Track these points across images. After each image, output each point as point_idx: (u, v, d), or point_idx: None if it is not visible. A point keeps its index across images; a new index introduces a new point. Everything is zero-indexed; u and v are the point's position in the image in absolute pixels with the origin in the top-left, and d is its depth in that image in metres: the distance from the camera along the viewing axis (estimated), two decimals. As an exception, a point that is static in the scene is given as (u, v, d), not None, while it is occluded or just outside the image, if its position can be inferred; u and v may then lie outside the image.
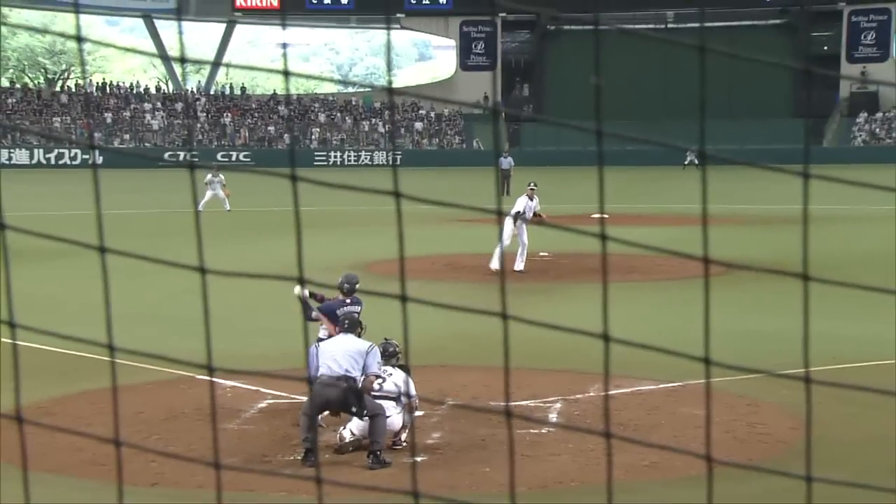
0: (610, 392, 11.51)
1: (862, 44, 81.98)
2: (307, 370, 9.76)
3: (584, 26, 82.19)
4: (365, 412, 9.61)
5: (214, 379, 11.57)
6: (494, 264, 20.69)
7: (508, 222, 21.20)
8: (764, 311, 16.56)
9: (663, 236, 25.53)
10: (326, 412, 9.96)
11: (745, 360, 12.77)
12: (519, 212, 21.16)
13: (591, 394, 11.65)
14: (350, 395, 9.58)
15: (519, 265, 21.41)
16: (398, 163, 74.37)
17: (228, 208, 35.86)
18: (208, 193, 36.44)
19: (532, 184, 21.84)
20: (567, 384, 12.00)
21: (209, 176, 36.75)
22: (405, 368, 10.12)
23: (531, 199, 21.49)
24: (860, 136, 79.04)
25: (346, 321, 10.06)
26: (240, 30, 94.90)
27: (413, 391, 9.92)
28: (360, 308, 10.98)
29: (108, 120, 78.05)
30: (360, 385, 9.64)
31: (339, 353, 9.71)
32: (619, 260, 19.41)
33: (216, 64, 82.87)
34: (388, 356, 10.09)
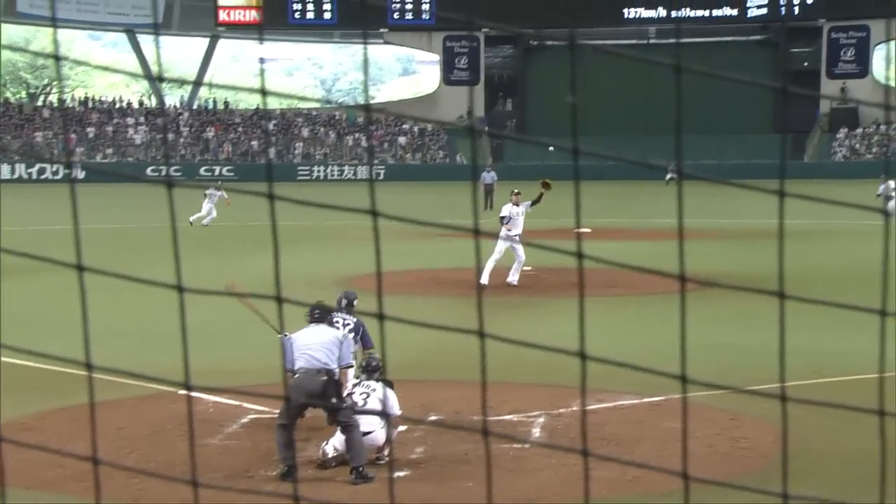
0: (592, 406, 11.51)
1: (842, 60, 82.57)
2: (283, 361, 9.68)
3: (565, 42, 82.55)
4: (344, 405, 9.58)
5: (196, 394, 11.50)
6: (484, 279, 20.84)
7: (501, 240, 21.34)
8: (746, 324, 16.61)
9: (644, 251, 25.59)
10: (306, 413, 9.92)
11: (726, 374, 12.80)
12: (503, 217, 21.45)
13: (575, 408, 11.65)
14: (330, 387, 9.55)
15: (513, 278, 21.55)
16: (380, 177, 74.50)
17: (200, 220, 36.02)
18: (205, 206, 36.47)
19: (515, 191, 22.13)
20: (550, 398, 11.99)
21: (211, 189, 36.81)
22: (388, 384, 10.11)
23: (516, 205, 21.72)
24: (840, 151, 79.57)
25: (317, 311, 9.96)
26: (223, 44, 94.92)
27: (397, 408, 9.88)
28: (351, 324, 11.04)
29: (91, 134, 77.85)
30: (337, 376, 9.67)
31: (315, 346, 9.64)
32: (600, 274, 19.43)
33: (197, 83, 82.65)
34: (371, 371, 10.06)
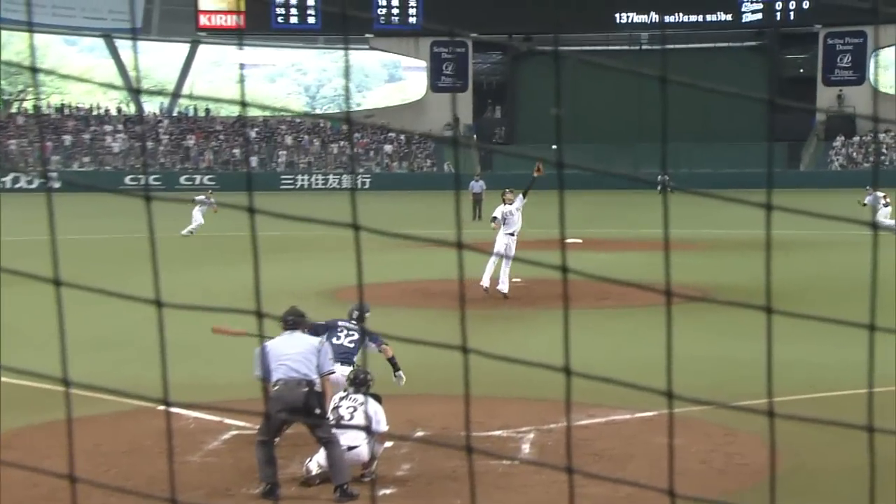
0: (583, 422, 11.52)
1: (838, 66, 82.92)
2: (258, 371, 9.54)
3: (555, 47, 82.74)
4: (327, 418, 9.50)
5: (176, 410, 11.47)
6: (485, 282, 21.24)
7: (500, 238, 21.81)
8: (741, 337, 16.63)
9: (636, 262, 25.64)
10: (286, 428, 9.86)
11: (721, 388, 12.85)
12: (495, 217, 21.99)
13: (566, 423, 11.65)
14: (312, 399, 9.43)
15: (503, 286, 21.68)
16: (366, 186, 74.50)
17: (185, 233, 36.02)
18: (196, 215, 36.50)
19: (507, 190, 22.51)
20: (540, 413, 12.00)
21: (202, 196, 36.82)
22: (377, 398, 10.10)
23: (510, 203, 22.03)
24: (837, 160, 79.83)
25: (290, 317, 9.82)
26: (204, 50, 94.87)
27: (384, 423, 9.85)
28: (355, 335, 11.20)
29: (67, 142, 77.69)
30: (318, 386, 9.55)
31: (293, 357, 9.48)
32: (592, 286, 19.42)
33: (175, 95, 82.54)
34: (359, 384, 9.99)
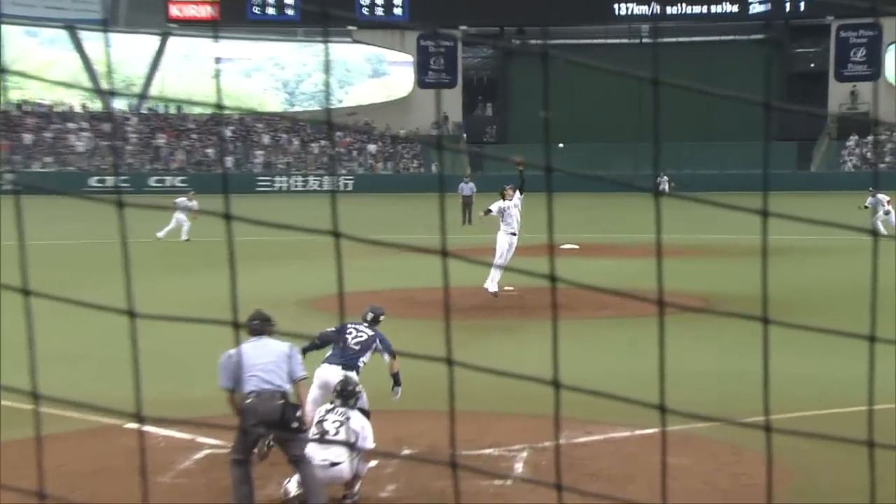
0: (581, 439, 11.56)
1: (851, 61, 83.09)
2: (223, 381, 9.46)
3: (546, 41, 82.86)
4: (305, 430, 9.43)
5: (146, 427, 11.46)
6: (492, 286, 21.75)
7: (501, 238, 22.26)
8: (747, 349, 16.68)
9: (635, 269, 25.68)
10: (265, 450, 9.82)
11: (728, 403, 12.89)
12: (489, 210, 22.70)
13: (562, 441, 11.68)
14: (289, 411, 9.33)
15: (491, 285, 21.84)
16: (349, 188, 74.50)
17: (186, 237, 36.07)
18: (177, 218, 36.41)
19: (506, 186, 22.84)
20: (535, 431, 12.02)
21: (182, 199, 36.77)
22: (365, 413, 10.06)
23: (510, 198, 22.30)
24: (850, 160, 79.86)
25: (256, 321, 9.65)
26: (174, 42, 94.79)
27: (371, 440, 9.79)
28: (364, 336, 11.35)
29: (28, 141, 77.51)
30: (291, 396, 9.46)
31: (264, 367, 9.34)
32: (590, 294, 19.51)
33: (142, 97, 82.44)
34: (347, 396, 9.91)
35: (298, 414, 9.47)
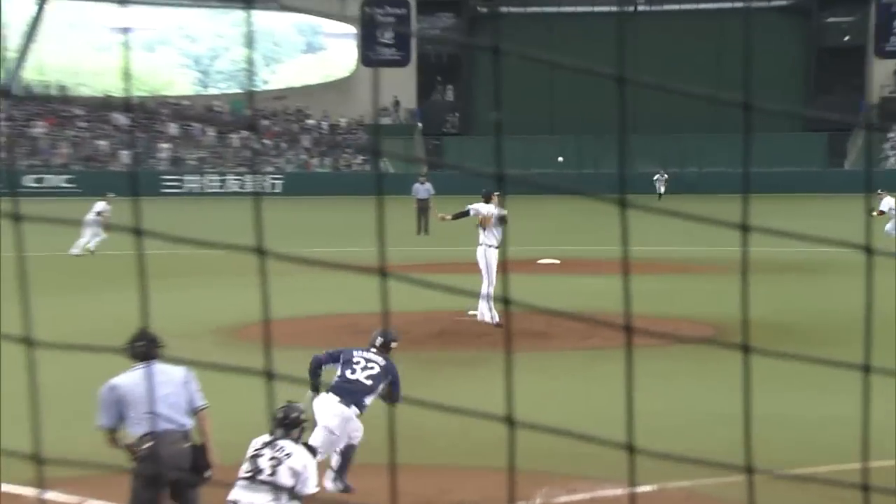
0: (562, 498, 11.63)
1: (895, 33, 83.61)
2: (104, 420, 9.31)
3: (524, 9, 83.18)
4: (209, 475, 9.33)
5: (15, 488, 11.43)
6: (493, 316, 21.89)
7: (487, 254, 22.18)
8: (770, 384, 16.87)
9: (621, 288, 25.88)
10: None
11: (733, 452, 12.98)
12: (469, 210, 22.72)
13: (538, 501, 11.75)
14: (200, 456, 9.26)
15: (489, 314, 22.10)
16: (276, 189, 74.33)
17: (92, 248, 36.04)
18: (88, 230, 36.24)
19: (495, 193, 22.78)
20: (506, 488, 12.05)
21: (102, 203, 36.58)
22: (311, 449, 9.82)
23: (497, 205, 22.27)
24: (893, 155, 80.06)
25: (141, 344, 9.24)
26: (57, 7, 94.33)
27: (313, 483, 9.41)
28: (376, 367, 11.46)
29: None
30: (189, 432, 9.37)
31: (165, 400, 9.14)
32: (575, 321, 19.61)
33: (14, 73, 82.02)
34: (289, 426, 9.49)
35: (207, 456, 9.37)
